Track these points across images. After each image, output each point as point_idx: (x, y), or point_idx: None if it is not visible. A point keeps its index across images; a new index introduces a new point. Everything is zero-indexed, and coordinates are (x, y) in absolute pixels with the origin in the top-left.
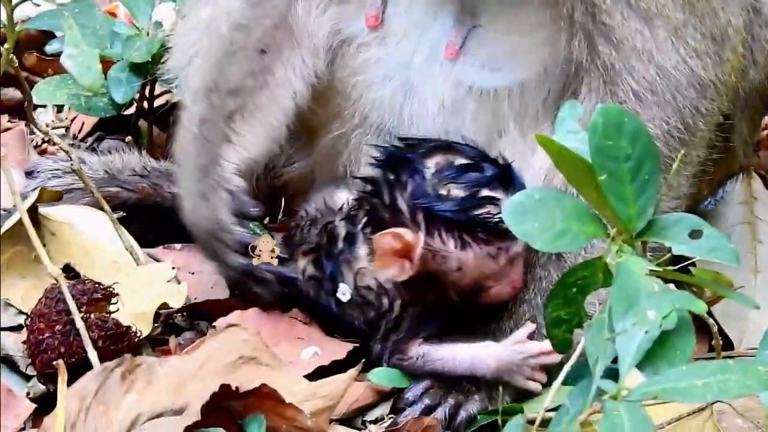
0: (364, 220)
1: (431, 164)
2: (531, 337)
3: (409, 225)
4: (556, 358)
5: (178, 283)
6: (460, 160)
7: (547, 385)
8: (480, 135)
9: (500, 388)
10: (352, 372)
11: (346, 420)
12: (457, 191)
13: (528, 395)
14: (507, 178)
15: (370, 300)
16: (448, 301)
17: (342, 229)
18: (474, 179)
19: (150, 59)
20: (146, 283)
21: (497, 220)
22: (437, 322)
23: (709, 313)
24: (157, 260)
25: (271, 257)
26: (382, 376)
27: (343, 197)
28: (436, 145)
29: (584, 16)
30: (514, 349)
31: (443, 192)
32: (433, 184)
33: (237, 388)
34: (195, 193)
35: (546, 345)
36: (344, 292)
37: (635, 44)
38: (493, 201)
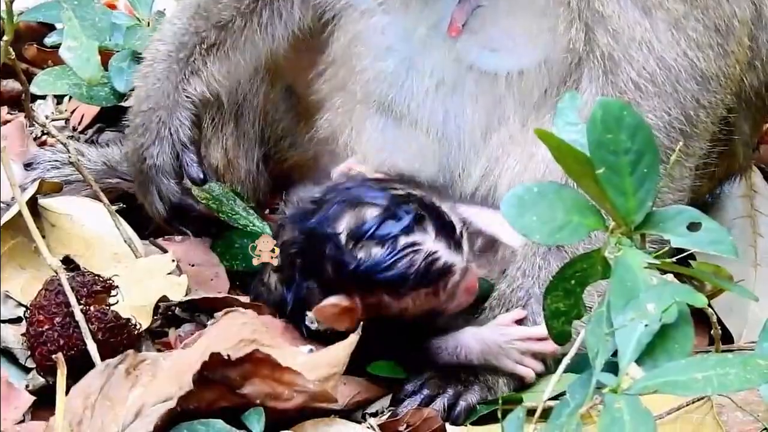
0: (302, 284)
1: (342, 227)
2: (521, 323)
3: (342, 290)
4: (548, 346)
5: (179, 275)
6: (371, 212)
7: (546, 376)
8: (479, 118)
9: (498, 380)
10: (353, 337)
11: (346, 414)
12: (376, 249)
13: (527, 386)
14: (424, 216)
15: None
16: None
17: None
18: (388, 231)
19: None
20: (146, 276)
21: (423, 264)
22: (418, 331)
23: (710, 306)
24: (158, 252)
25: (271, 257)
26: (382, 368)
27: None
28: (342, 201)
29: (581, 4)
30: (497, 331)
31: (362, 255)
32: (350, 249)
33: (229, 356)
34: (148, 120)
35: (534, 330)
36: (312, 321)
37: (634, 35)
38: (413, 247)
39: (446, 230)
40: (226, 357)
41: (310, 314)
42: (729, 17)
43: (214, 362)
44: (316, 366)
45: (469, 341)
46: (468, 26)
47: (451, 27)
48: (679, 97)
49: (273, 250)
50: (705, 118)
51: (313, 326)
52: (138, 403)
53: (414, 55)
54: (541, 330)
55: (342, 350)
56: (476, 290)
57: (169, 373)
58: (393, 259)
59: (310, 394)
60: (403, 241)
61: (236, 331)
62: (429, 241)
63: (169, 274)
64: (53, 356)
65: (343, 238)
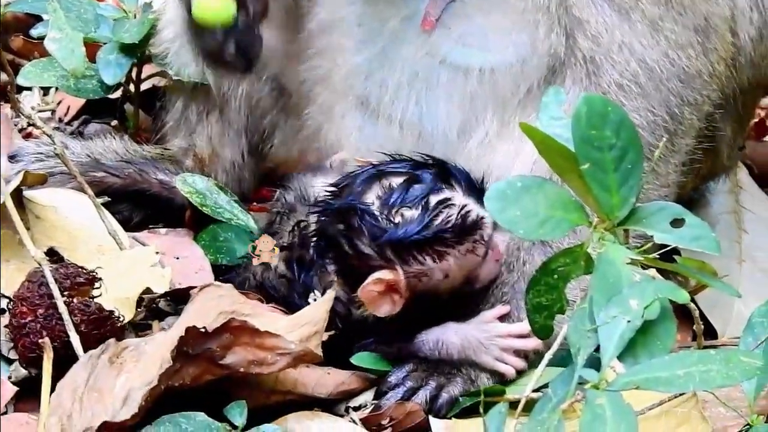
0: (334, 269)
1: (372, 198)
2: (505, 319)
3: (383, 265)
4: (531, 343)
5: (162, 267)
6: (396, 180)
7: (529, 369)
8: (455, 115)
9: (480, 374)
10: (329, 294)
11: (328, 407)
12: (410, 212)
13: (510, 379)
14: (447, 173)
15: (339, 311)
16: (437, 304)
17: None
18: (418, 194)
19: (140, 40)
20: (130, 268)
21: (459, 218)
22: (415, 323)
23: (694, 302)
24: (142, 244)
25: (271, 257)
26: (365, 360)
27: (319, 186)
28: (366, 177)
29: (560, 9)
30: (479, 327)
31: (398, 219)
32: (385, 217)
33: (205, 328)
34: None
35: (516, 327)
36: (316, 300)
37: (613, 38)
38: (446, 203)
39: (472, 184)
40: (202, 330)
41: (316, 292)
42: (707, 16)
43: (193, 336)
44: (296, 327)
45: (451, 336)
46: (441, 21)
47: (425, 21)
48: (663, 96)
49: (273, 250)
50: (690, 115)
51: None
52: (125, 389)
53: (388, 49)
54: (523, 327)
55: (321, 307)
56: (503, 258)
57: (152, 356)
58: (429, 218)
59: (294, 356)
60: (434, 199)
61: (214, 305)
62: (459, 196)
63: (152, 266)
64: (40, 342)
65: (375, 209)
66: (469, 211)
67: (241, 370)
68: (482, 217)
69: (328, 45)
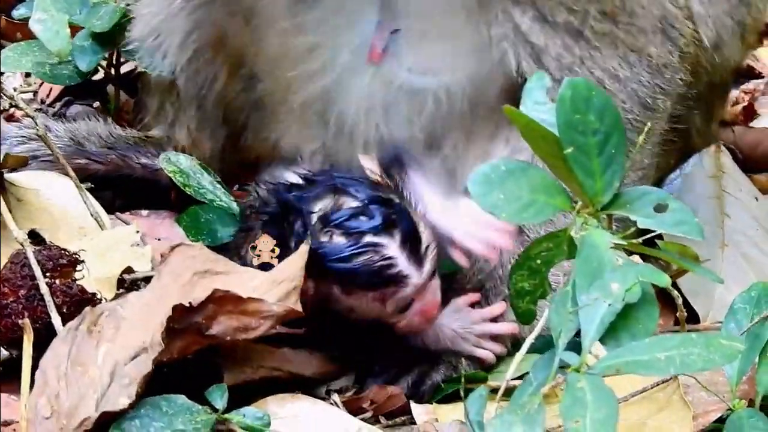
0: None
1: (318, 208)
2: (477, 306)
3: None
4: (506, 327)
5: (143, 246)
6: (348, 204)
7: (511, 355)
8: (418, 136)
9: (462, 360)
10: (303, 247)
11: (310, 388)
12: (339, 238)
13: (491, 366)
14: (395, 222)
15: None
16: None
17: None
18: (356, 226)
19: (113, 28)
20: (111, 247)
21: (378, 266)
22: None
23: (676, 287)
24: (125, 223)
25: (271, 257)
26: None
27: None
28: (328, 187)
29: (516, 36)
30: (452, 315)
31: (325, 238)
32: (317, 230)
33: (190, 303)
34: None
35: (488, 311)
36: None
37: (573, 56)
38: (374, 247)
39: (413, 243)
40: (188, 305)
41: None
42: (659, 12)
43: (179, 312)
44: (273, 285)
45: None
46: (389, 51)
47: (372, 53)
48: (633, 93)
49: (273, 250)
50: (662, 103)
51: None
52: (110, 363)
53: (343, 78)
54: (494, 309)
55: (296, 263)
56: (433, 317)
57: (131, 323)
58: (351, 252)
59: (277, 317)
60: (367, 238)
61: (188, 266)
62: (392, 247)
63: (133, 245)
64: (20, 323)
65: (314, 218)
66: (392, 264)
67: (228, 338)
68: (405, 275)
69: (281, 74)
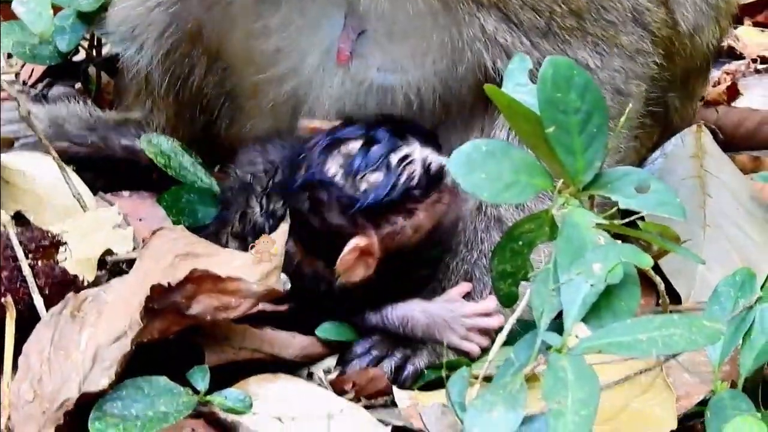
0: (304, 243)
1: (334, 168)
2: (468, 297)
3: (356, 232)
4: (495, 321)
5: (125, 228)
6: (353, 146)
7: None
8: None
9: (445, 348)
10: (283, 227)
11: (292, 370)
12: (374, 176)
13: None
14: (401, 129)
15: (307, 286)
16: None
17: (264, 223)
18: (379, 155)
19: (99, 8)
20: (93, 229)
21: (422, 172)
22: (379, 293)
23: (658, 267)
24: (109, 203)
25: (272, 257)
26: (331, 331)
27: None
28: (323, 148)
29: (484, 36)
30: (444, 306)
31: (364, 186)
32: (350, 186)
33: (169, 283)
34: None
35: (481, 306)
36: (284, 281)
37: (542, 54)
38: (407, 160)
39: (427, 135)
40: (167, 285)
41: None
42: (627, 9)
43: (157, 292)
44: (254, 264)
45: (417, 314)
46: (356, 52)
47: (339, 55)
48: (606, 79)
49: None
50: (637, 88)
51: (286, 286)
52: (92, 346)
53: (312, 79)
54: (487, 305)
55: (278, 237)
56: (465, 198)
57: (114, 307)
58: (394, 179)
59: (257, 296)
60: (395, 157)
61: (169, 248)
62: (418, 150)
63: (115, 227)
64: (3, 302)
65: (339, 179)
66: (430, 163)
67: (208, 317)
68: (443, 166)
69: (249, 77)
